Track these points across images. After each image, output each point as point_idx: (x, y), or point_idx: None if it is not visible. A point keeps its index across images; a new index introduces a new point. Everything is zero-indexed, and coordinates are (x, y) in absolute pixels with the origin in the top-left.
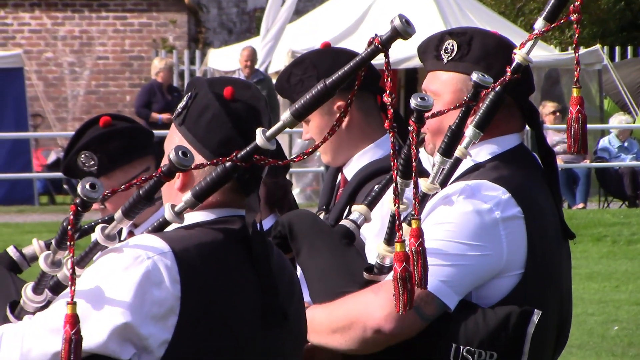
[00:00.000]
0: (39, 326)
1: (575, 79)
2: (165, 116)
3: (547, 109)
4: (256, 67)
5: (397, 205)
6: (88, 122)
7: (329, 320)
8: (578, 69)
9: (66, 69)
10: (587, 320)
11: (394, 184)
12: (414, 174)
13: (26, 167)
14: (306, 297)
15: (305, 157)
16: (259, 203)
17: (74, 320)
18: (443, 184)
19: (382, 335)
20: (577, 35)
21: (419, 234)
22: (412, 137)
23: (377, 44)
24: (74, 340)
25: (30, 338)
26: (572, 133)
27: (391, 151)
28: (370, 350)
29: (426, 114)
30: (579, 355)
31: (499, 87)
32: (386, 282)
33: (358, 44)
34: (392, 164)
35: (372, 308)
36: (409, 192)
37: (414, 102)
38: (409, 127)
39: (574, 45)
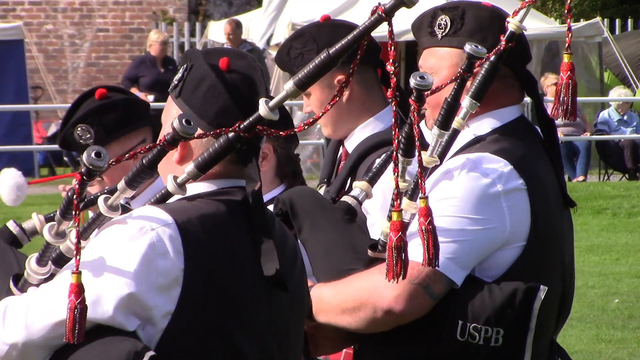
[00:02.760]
0: (43, 297)
1: (567, 44)
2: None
3: (549, 80)
4: (254, 40)
5: (396, 174)
6: (83, 94)
7: (337, 300)
8: (569, 34)
9: (66, 41)
10: (588, 293)
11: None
12: (418, 153)
13: (26, 139)
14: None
15: (306, 127)
16: (259, 173)
17: (78, 290)
18: (441, 156)
19: (392, 316)
20: (569, 1)
21: (428, 213)
22: (414, 116)
23: (380, 12)
24: (78, 309)
25: (34, 309)
26: (561, 99)
27: (393, 120)
28: (380, 330)
29: (426, 93)
30: (579, 327)
31: (493, 56)
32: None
33: (358, 17)
34: (393, 133)
35: (381, 289)
36: (410, 168)
37: (413, 81)
38: (410, 106)
39: (566, 11)
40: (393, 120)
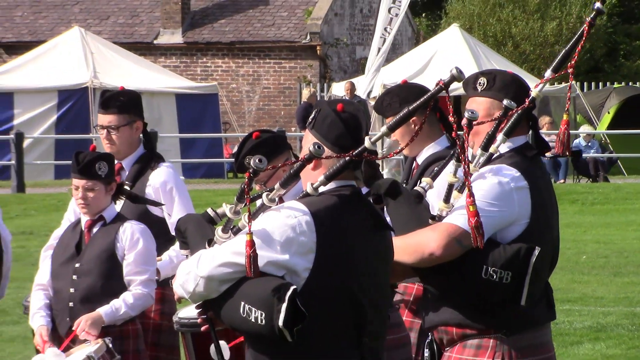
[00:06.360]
0: (224, 248)
1: (566, 108)
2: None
3: (543, 120)
4: (359, 94)
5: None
6: (246, 137)
7: (404, 245)
8: (569, 103)
9: (244, 94)
10: (565, 252)
11: (449, 165)
12: (466, 160)
13: (219, 154)
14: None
15: (395, 155)
16: (362, 177)
17: (251, 244)
18: (482, 167)
19: (433, 257)
20: (570, 82)
21: (471, 197)
22: (466, 137)
23: (441, 85)
24: (252, 256)
25: (217, 255)
26: (561, 139)
27: (450, 144)
28: (426, 266)
29: (474, 123)
30: (560, 274)
31: (521, 111)
32: (440, 224)
33: (425, 81)
34: (451, 153)
35: (429, 240)
36: (460, 171)
37: (467, 114)
38: (463, 131)
39: (568, 84)
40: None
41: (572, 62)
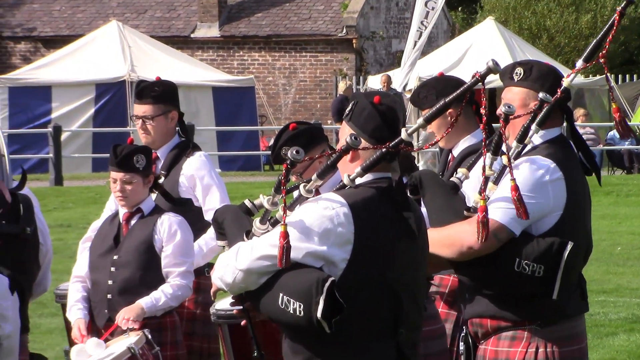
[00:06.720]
0: (262, 241)
1: (611, 97)
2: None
3: (578, 112)
4: (395, 87)
5: (484, 176)
6: (283, 128)
7: (440, 238)
8: (612, 93)
9: (280, 87)
10: (600, 244)
11: (484, 157)
12: (503, 152)
13: (256, 147)
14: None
15: (431, 146)
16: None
17: (285, 235)
18: (516, 158)
19: (472, 251)
20: (606, 72)
21: (517, 189)
22: (502, 130)
23: (477, 77)
24: (285, 247)
25: (256, 247)
26: (621, 126)
27: (483, 137)
28: (464, 259)
29: (510, 117)
30: (595, 265)
31: (554, 102)
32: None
33: (461, 73)
34: (486, 144)
35: (467, 234)
36: (496, 163)
37: (503, 109)
38: (500, 124)
39: (604, 76)
40: (484, 136)
41: (604, 51)
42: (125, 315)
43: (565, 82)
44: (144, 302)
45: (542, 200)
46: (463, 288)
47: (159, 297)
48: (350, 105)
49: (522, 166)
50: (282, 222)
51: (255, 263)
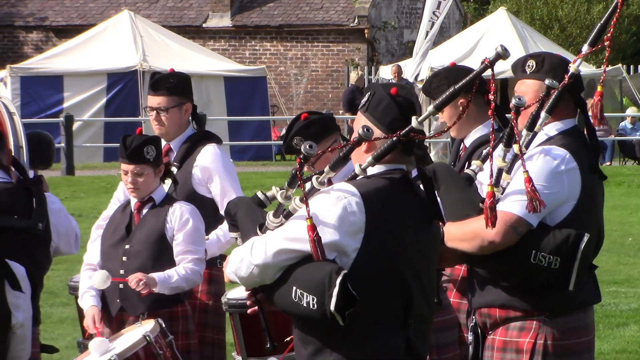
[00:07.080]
0: (277, 236)
1: (602, 80)
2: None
3: (589, 103)
4: (407, 77)
5: (490, 166)
6: (294, 118)
7: (460, 233)
8: (604, 74)
9: (292, 77)
10: (611, 234)
11: (498, 149)
12: (515, 144)
13: (267, 137)
14: None
15: (442, 133)
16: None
17: (313, 228)
18: (527, 146)
19: (493, 244)
20: (607, 54)
21: (530, 180)
22: (514, 122)
23: (486, 62)
24: (316, 240)
25: (270, 242)
26: (593, 113)
27: (497, 127)
28: (484, 253)
29: (521, 109)
30: (607, 256)
31: (561, 87)
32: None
33: (473, 63)
34: (500, 136)
35: (488, 228)
36: (508, 154)
37: (514, 101)
38: (511, 116)
39: (604, 60)
40: (491, 127)
41: (609, 34)
42: (139, 276)
43: (572, 68)
44: (157, 275)
45: (557, 190)
46: (472, 278)
47: (172, 274)
48: (367, 96)
49: (537, 157)
50: (307, 216)
51: (270, 258)
